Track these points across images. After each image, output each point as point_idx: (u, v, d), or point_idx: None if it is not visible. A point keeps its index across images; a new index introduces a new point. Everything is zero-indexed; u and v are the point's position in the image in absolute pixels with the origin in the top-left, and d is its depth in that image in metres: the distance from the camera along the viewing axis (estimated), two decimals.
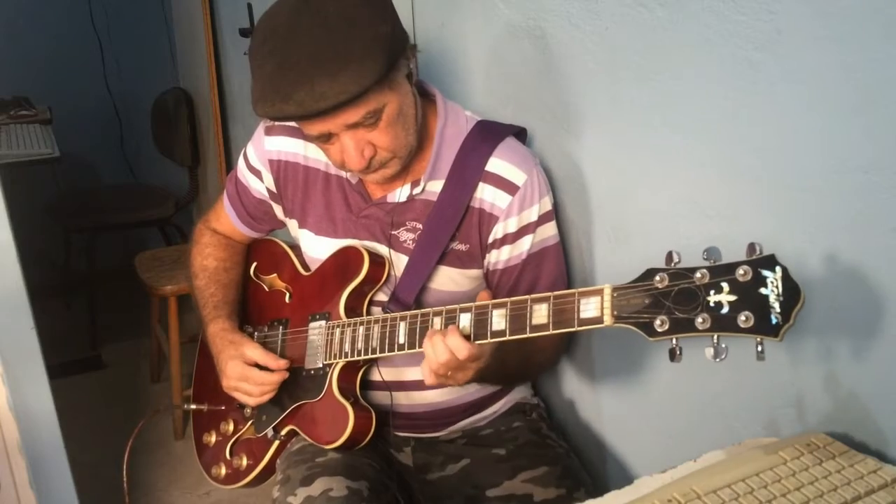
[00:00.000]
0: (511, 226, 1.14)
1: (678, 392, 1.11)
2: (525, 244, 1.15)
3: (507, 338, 0.94)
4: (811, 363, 0.88)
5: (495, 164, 1.13)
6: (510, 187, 1.13)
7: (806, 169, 0.84)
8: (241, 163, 1.31)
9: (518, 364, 1.16)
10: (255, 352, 1.19)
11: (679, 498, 0.74)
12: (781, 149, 0.86)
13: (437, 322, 1.01)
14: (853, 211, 0.80)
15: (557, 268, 1.19)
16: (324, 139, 1.06)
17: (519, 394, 1.33)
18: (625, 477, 1.25)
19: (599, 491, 0.85)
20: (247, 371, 1.18)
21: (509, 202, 1.13)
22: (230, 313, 1.29)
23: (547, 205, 1.16)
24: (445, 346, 0.96)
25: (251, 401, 1.20)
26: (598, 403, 1.30)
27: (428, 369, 0.99)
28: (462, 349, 0.95)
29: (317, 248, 1.24)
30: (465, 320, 0.98)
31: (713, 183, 0.96)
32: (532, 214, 1.14)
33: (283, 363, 1.18)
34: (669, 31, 0.97)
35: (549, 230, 1.17)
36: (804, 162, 0.84)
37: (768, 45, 0.85)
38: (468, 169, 1.14)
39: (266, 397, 1.20)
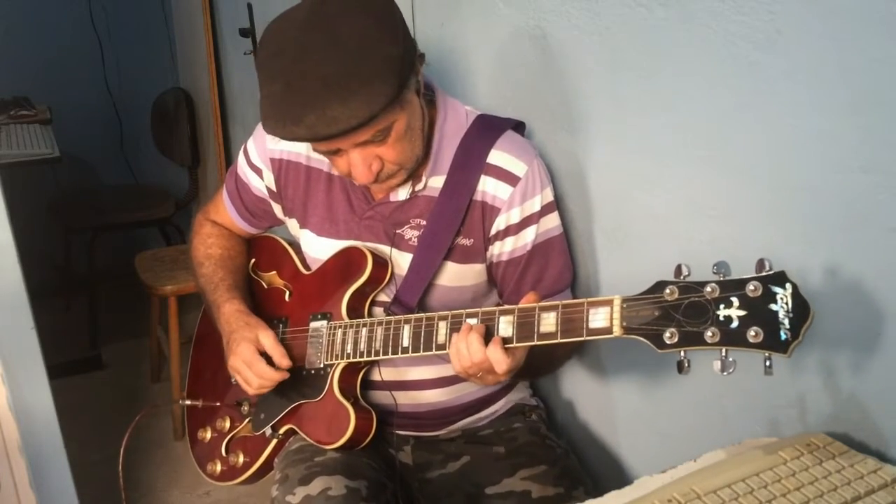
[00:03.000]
0: (514, 217, 1.13)
1: (678, 392, 1.11)
2: (529, 235, 1.15)
3: (514, 345, 0.94)
4: (811, 363, 0.88)
5: (496, 157, 1.13)
6: (511, 178, 1.13)
7: (806, 168, 0.84)
8: (241, 159, 1.30)
9: (543, 362, 1.15)
10: (267, 339, 1.17)
11: (679, 498, 0.74)
12: (781, 148, 0.86)
13: (443, 327, 1.01)
14: (852, 211, 0.80)
15: (563, 258, 1.19)
16: (331, 153, 1.06)
17: (518, 394, 1.33)
18: (625, 477, 1.25)
19: (599, 491, 0.85)
20: (255, 358, 1.16)
21: (511, 193, 1.12)
22: (244, 297, 1.28)
23: (549, 195, 1.16)
24: (482, 353, 0.94)
25: (249, 390, 1.19)
26: (598, 404, 1.31)
27: (459, 366, 0.98)
28: (502, 363, 0.94)
29: (318, 248, 1.24)
30: None
31: (713, 183, 0.96)
32: (535, 205, 1.14)
33: (286, 363, 1.17)
34: (669, 31, 0.98)
35: (553, 221, 1.17)
36: (804, 161, 0.84)
37: (768, 45, 0.85)
38: (469, 163, 1.14)
39: (262, 391, 1.19)
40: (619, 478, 1.25)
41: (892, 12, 0.73)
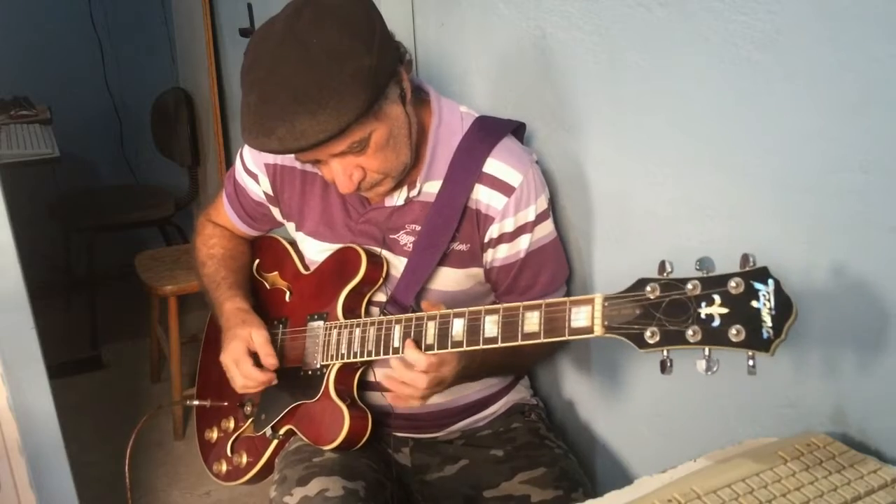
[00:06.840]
0: (507, 226, 1.13)
1: (678, 392, 1.10)
2: (523, 243, 1.15)
3: (499, 345, 0.93)
4: (810, 362, 0.88)
5: (492, 165, 1.13)
6: (506, 188, 1.12)
7: (806, 168, 0.84)
8: (237, 164, 1.30)
9: (502, 361, 1.16)
10: (258, 337, 1.17)
11: (679, 498, 0.74)
12: (781, 148, 0.86)
13: (431, 327, 1.01)
14: (852, 211, 0.80)
15: (556, 263, 1.20)
16: (313, 163, 1.07)
17: (518, 394, 1.33)
18: (625, 477, 1.24)
19: (599, 491, 0.85)
20: (243, 357, 1.16)
21: (505, 203, 1.12)
22: (245, 296, 1.27)
23: (543, 203, 1.16)
24: (399, 362, 1.01)
25: (235, 387, 1.20)
26: (598, 403, 1.30)
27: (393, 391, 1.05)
28: (420, 360, 0.99)
29: (315, 251, 1.24)
30: (458, 326, 0.98)
31: (713, 183, 0.96)
32: (529, 214, 1.14)
33: (272, 362, 1.16)
34: (669, 31, 0.98)
35: (546, 228, 1.17)
36: (804, 162, 0.84)
37: (768, 45, 0.85)
38: (465, 170, 1.13)
39: (247, 391, 1.20)
40: (619, 477, 1.25)
41: (891, 12, 0.73)
